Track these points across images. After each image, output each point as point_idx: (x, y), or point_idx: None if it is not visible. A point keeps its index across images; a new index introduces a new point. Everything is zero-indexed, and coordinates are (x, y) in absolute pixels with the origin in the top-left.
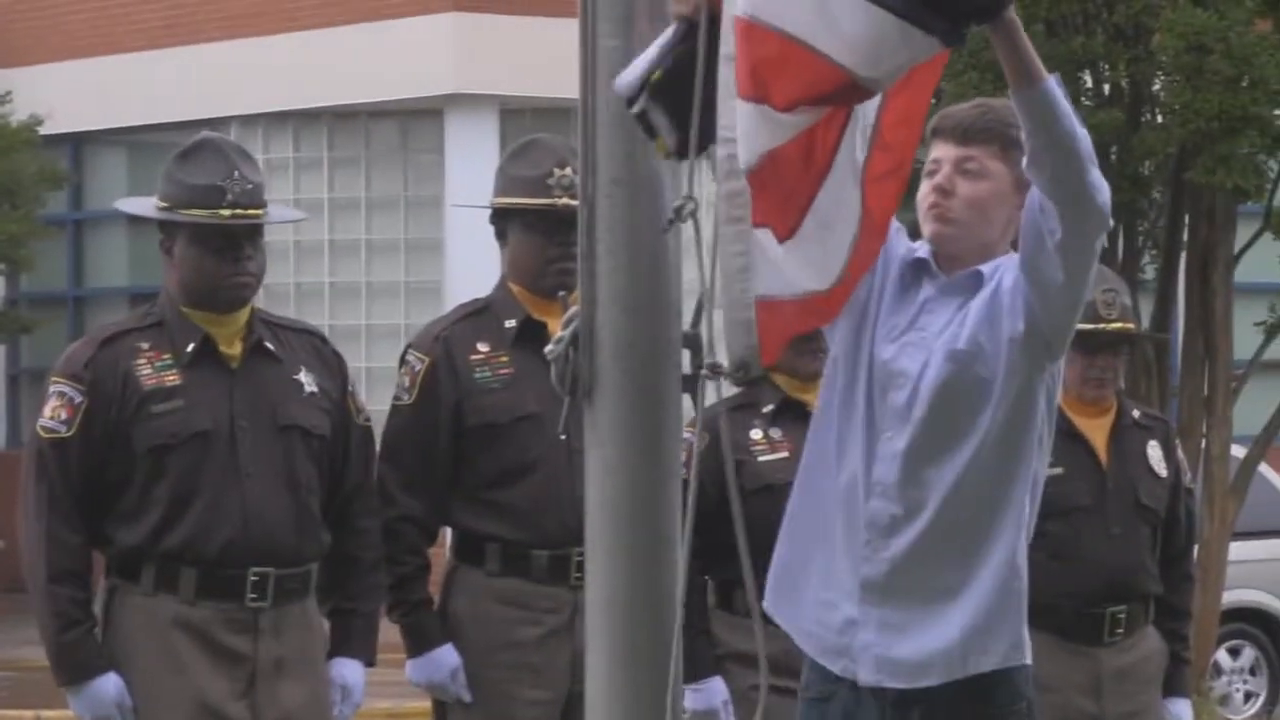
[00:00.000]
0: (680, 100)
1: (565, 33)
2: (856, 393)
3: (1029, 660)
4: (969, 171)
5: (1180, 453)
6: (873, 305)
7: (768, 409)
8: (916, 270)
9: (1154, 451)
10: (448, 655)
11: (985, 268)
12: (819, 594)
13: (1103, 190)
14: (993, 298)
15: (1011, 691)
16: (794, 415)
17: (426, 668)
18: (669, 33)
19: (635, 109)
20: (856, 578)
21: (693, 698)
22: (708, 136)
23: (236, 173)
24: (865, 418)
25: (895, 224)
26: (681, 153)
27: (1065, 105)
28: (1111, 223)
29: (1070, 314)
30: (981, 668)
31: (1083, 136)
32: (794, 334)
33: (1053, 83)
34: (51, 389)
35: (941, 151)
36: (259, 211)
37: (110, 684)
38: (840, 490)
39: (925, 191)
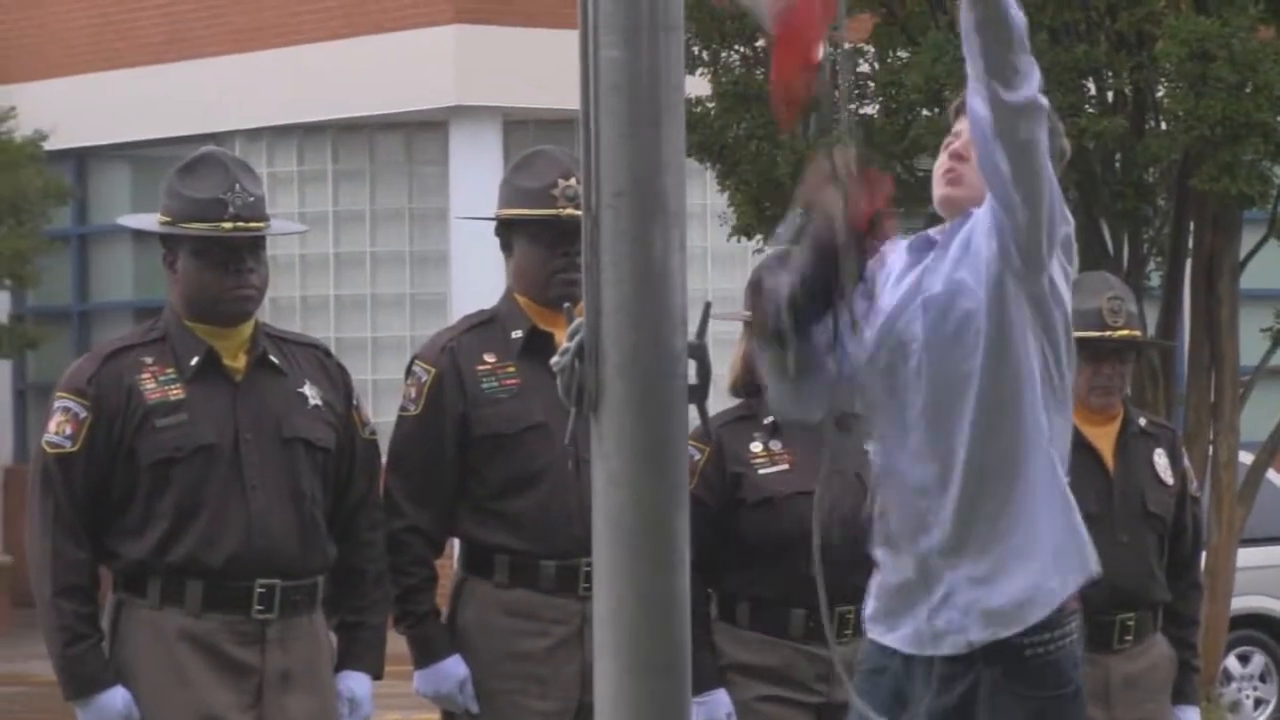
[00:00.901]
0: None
1: (568, 44)
2: (892, 379)
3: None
4: None
5: (1186, 460)
6: (876, 306)
7: (768, 421)
8: (919, 247)
9: (1160, 459)
10: (455, 666)
11: (979, 210)
12: (909, 591)
13: (1030, 76)
14: (971, 230)
15: (1059, 676)
16: (794, 427)
17: (434, 679)
18: (798, 221)
19: (777, 328)
20: (930, 547)
21: (697, 710)
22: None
23: (238, 186)
24: (897, 399)
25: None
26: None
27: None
28: (1046, 117)
29: (1033, 227)
30: (1068, 589)
31: (1016, 18)
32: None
33: None
34: (56, 404)
35: (961, 125)
36: (261, 224)
37: (117, 698)
38: (891, 477)
39: (941, 158)
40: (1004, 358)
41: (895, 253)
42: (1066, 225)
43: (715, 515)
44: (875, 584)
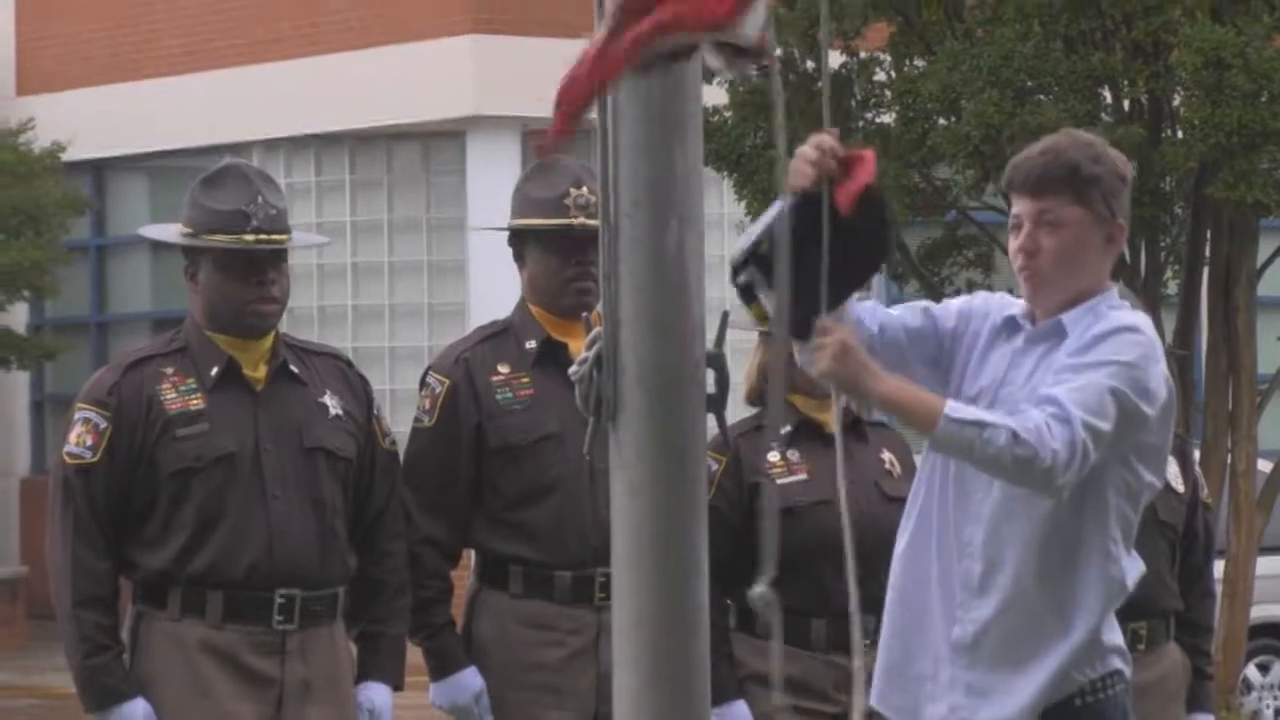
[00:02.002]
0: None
1: None
2: (963, 465)
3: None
4: (1048, 224)
5: (1197, 468)
6: (955, 375)
7: (785, 430)
8: (1007, 327)
9: (1171, 467)
10: (471, 678)
11: (1067, 317)
12: (913, 667)
13: (1044, 473)
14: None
15: None
16: (811, 436)
17: (450, 690)
18: (780, 204)
19: (740, 279)
20: (948, 641)
21: None
22: (810, 309)
23: (260, 198)
24: (956, 480)
25: (983, 297)
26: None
27: (966, 434)
28: (1070, 472)
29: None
30: (1087, 677)
31: (996, 453)
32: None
33: (944, 420)
34: (77, 415)
35: (1020, 206)
36: (283, 236)
37: (138, 709)
38: (934, 558)
39: (1013, 251)
40: (1086, 483)
41: (981, 311)
42: (1149, 421)
43: (733, 525)
44: (879, 663)
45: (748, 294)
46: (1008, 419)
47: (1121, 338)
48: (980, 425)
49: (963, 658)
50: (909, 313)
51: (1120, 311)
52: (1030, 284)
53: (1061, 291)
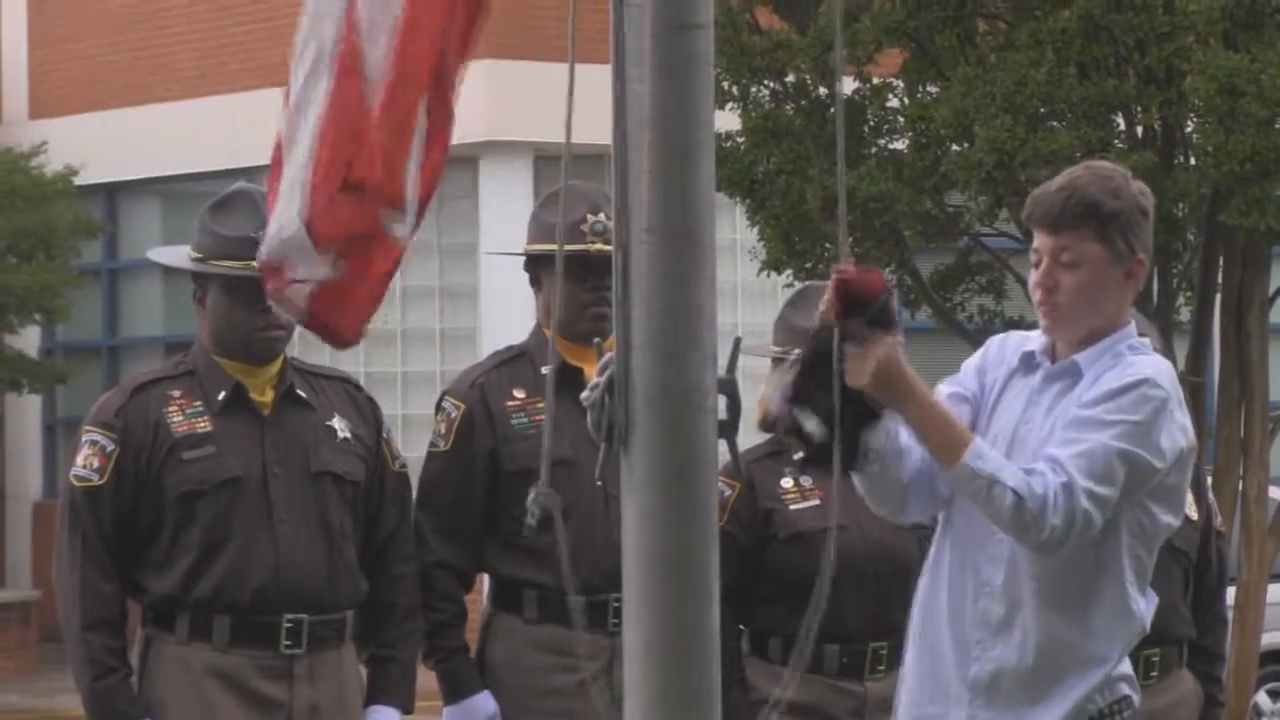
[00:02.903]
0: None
1: (600, 79)
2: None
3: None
4: (1066, 263)
5: (1211, 495)
6: (981, 419)
7: (798, 456)
8: (1024, 363)
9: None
10: (484, 702)
11: (1083, 357)
12: (924, 708)
13: (1038, 544)
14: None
15: None
16: (825, 463)
17: (464, 714)
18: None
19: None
20: (965, 681)
21: None
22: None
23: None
24: (979, 519)
25: (996, 344)
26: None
27: (978, 484)
28: (1074, 529)
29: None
30: (1101, 704)
31: (999, 510)
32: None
33: (962, 465)
34: (84, 438)
35: (1039, 241)
36: None
37: None
38: (946, 595)
39: (1033, 285)
40: (1099, 543)
41: (995, 361)
42: (1161, 473)
43: (747, 550)
44: (901, 697)
45: (797, 434)
46: (1020, 480)
47: (1136, 393)
48: (992, 482)
49: (980, 697)
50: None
51: (1140, 358)
52: (1049, 319)
53: (1080, 327)
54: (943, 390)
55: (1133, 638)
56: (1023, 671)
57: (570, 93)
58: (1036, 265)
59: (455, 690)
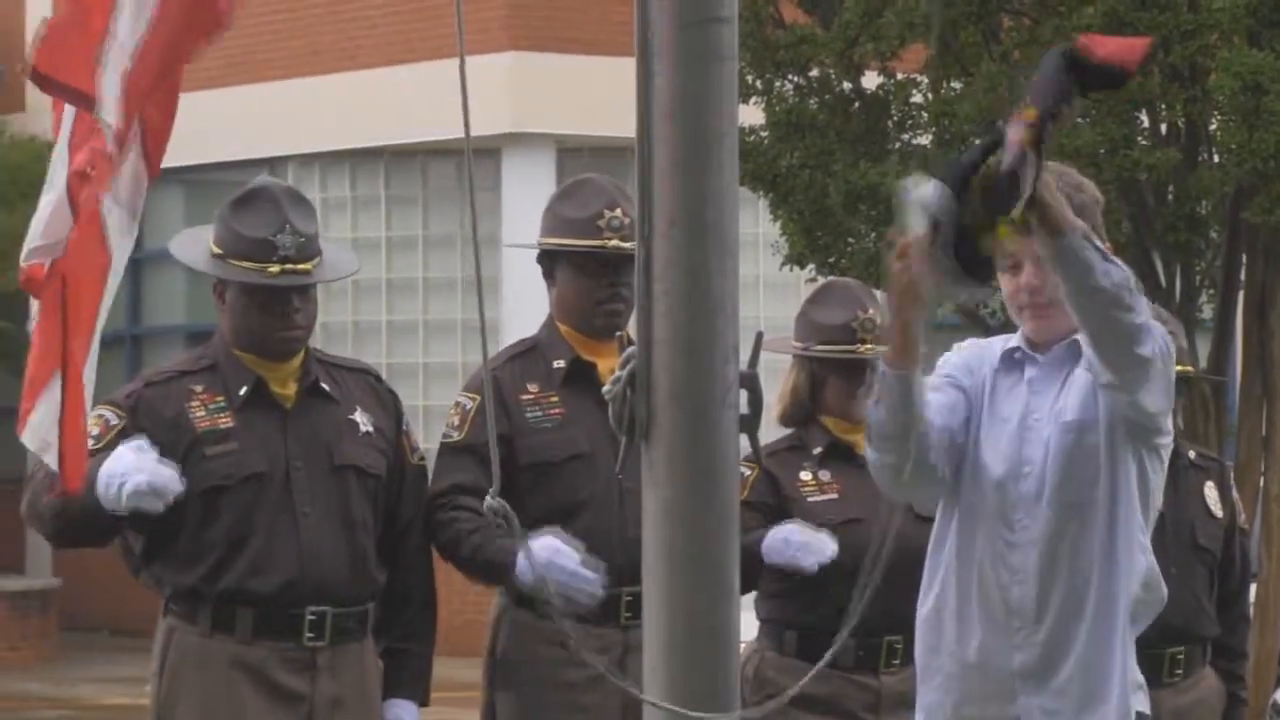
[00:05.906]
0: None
1: (623, 72)
2: (981, 490)
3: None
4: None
5: (1235, 493)
6: (975, 417)
7: (817, 450)
8: (1006, 363)
9: (1210, 492)
10: (545, 544)
11: (1080, 336)
12: (974, 707)
13: (1139, 336)
14: (1083, 374)
15: None
16: (843, 457)
17: (544, 551)
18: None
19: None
20: (1010, 669)
21: None
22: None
23: (288, 225)
24: (996, 511)
25: (970, 346)
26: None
27: (1089, 255)
28: (1159, 363)
29: (1151, 416)
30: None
31: (1112, 284)
32: None
33: (1077, 236)
34: (92, 415)
35: (1013, 245)
36: (308, 266)
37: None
38: (975, 589)
39: (1013, 290)
40: (1121, 497)
41: (976, 360)
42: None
43: (765, 516)
44: (938, 692)
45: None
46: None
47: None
48: (1104, 256)
49: (1030, 684)
50: (943, 395)
51: None
52: (1040, 318)
53: (1068, 319)
54: (936, 380)
55: (1155, 603)
56: (1068, 647)
57: (463, 88)
58: (1015, 271)
59: (504, 561)
